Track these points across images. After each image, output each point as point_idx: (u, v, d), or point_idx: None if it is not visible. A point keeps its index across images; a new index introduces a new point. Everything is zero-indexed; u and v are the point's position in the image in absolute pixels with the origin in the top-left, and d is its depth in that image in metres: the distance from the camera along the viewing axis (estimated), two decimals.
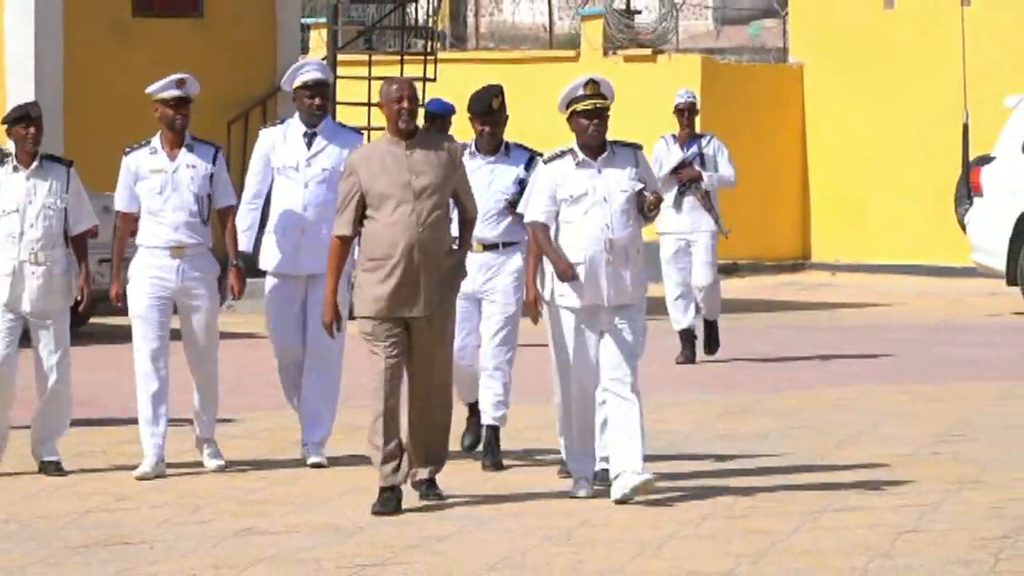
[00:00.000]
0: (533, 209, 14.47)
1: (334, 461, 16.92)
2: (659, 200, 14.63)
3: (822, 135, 43.61)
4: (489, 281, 16.21)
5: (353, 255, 15.59)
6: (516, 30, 61.31)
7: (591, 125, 14.22)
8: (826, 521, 14.79)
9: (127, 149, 17.40)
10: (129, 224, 16.90)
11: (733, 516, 14.52)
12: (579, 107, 14.24)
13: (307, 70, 17.58)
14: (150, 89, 17.09)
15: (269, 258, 17.12)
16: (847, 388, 23.41)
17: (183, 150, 16.86)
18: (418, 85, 19.59)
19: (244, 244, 17.31)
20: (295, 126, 17.19)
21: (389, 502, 14.00)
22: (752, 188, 37.66)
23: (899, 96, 41.19)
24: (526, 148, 16.09)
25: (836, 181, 42.74)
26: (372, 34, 36.43)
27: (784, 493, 15.90)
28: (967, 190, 33.03)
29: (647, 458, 14.69)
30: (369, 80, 32.81)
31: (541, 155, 15.51)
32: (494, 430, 16.33)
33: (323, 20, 38.88)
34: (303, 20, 38.47)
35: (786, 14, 48.14)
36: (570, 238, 14.21)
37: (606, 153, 14.31)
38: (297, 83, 17.21)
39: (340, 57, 34.48)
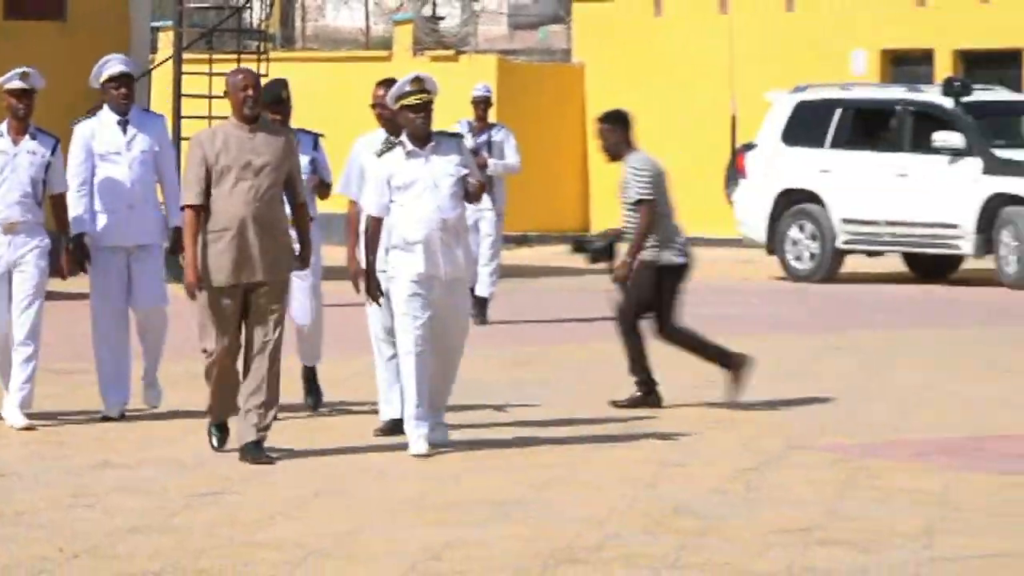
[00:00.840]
0: (368, 203, 14.47)
1: (176, 409, 16.72)
2: (483, 186, 14.81)
3: None
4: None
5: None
6: (337, 33, 62.59)
7: (418, 117, 14.20)
8: (602, 455, 15.34)
9: None
10: None
11: (523, 452, 14.94)
12: (406, 102, 14.24)
13: (112, 64, 17.10)
14: None
15: (100, 232, 16.81)
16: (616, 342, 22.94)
17: (26, 137, 16.66)
18: None
19: (77, 228, 16.99)
20: (107, 116, 16.92)
21: (223, 440, 14.14)
22: (540, 170, 38.48)
23: (671, 92, 41.68)
24: (309, 131, 16.00)
25: (613, 165, 42.58)
26: (212, 36, 36.20)
27: (566, 430, 16.25)
28: (734, 173, 33.79)
29: (448, 406, 15.12)
30: (210, 76, 32.22)
31: (323, 135, 16.06)
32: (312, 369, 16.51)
33: (169, 23, 38.43)
34: (152, 24, 38.12)
35: (570, 20, 49.00)
36: (407, 219, 14.19)
37: (433, 143, 14.30)
38: (104, 77, 16.89)
39: (184, 56, 34.25)
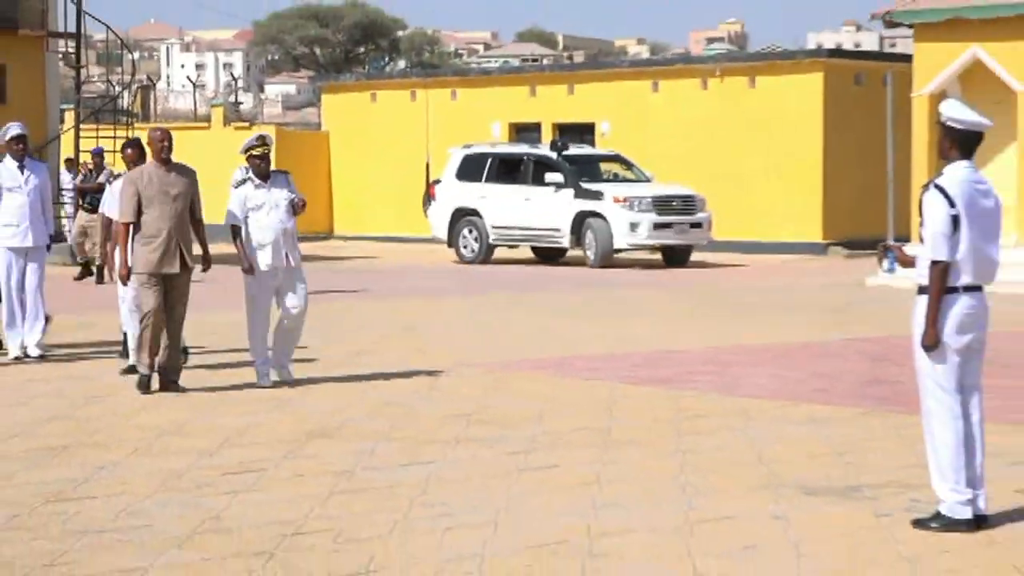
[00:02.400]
0: (232, 217, 13.95)
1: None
2: (304, 203, 14.03)
3: (341, 173, 43.62)
4: None
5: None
6: (176, 112, 61.27)
7: (261, 162, 13.77)
8: (349, 369, 15.46)
9: None
10: None
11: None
12: (254, 152, 13.75)
13: (12, 129, 16.44)
14: None
15: (5, 238, 16.17)
16: (355, 302, 23.01)
17: None
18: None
19: None
20: (9, 163, 16.32)
21: (145, 385, 13.50)
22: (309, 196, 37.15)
23: (387, 149, 41.42)
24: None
25: (350, 194, 42.79)
26: (98, 114, 35.45)
27: (322, 365, 15.98)
28: (428, 198, 34.03)
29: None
30: (97, 138, 31.32)
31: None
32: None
33: (71, 106, 37.22)
34: (61, 106, 36.99)
35: (320, 105, 48.89)
36: (260, 229, 13.79)
37: (271, 179, 13.90)
38: (8, 137, 16.24)
39: (81, 126, 33.30)
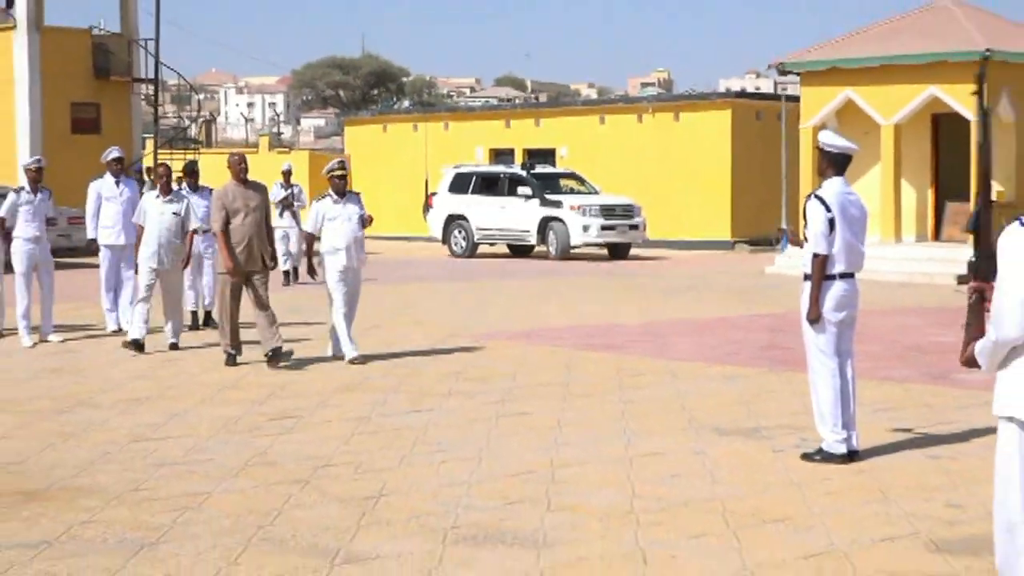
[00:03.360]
0: (310, 225, 13.24)
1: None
2: (371, 219, 13.15)
3: (358, 186, 41.35)
4: None
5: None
6: (232, 140, 60.65)
7: (340, 181, 12.96)
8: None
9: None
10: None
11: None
12: (335, 173, 12.94)
13: (112, 152, 15.86)
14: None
15: (104, 237, 15.37)
16: (369, 287, 21.43)
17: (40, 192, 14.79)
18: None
19: (91, 235, 15.99)
20: (108, 178, 15.51)
21: (233, 360, 12.79)
22: None
23: (397, 169, 40.30)
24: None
25: (366, 203, 42.00)
26: (172, 142, 34.99)
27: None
28: (427, 206, 33.49)
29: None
30: (171, 160, 30.96)
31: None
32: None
33: (151, 135, 36.30)
34: (143, 135, 36.72)
35: (344, 134, 46.55)
36: (336, 237, 12.87)
37: (346, 196, 13.02)
38: (109, 158, 15.65)
39: (159, 151, 32.36)
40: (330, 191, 13.08)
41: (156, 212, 13.68)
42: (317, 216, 13.11)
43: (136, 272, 14.12)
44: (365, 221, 13.03)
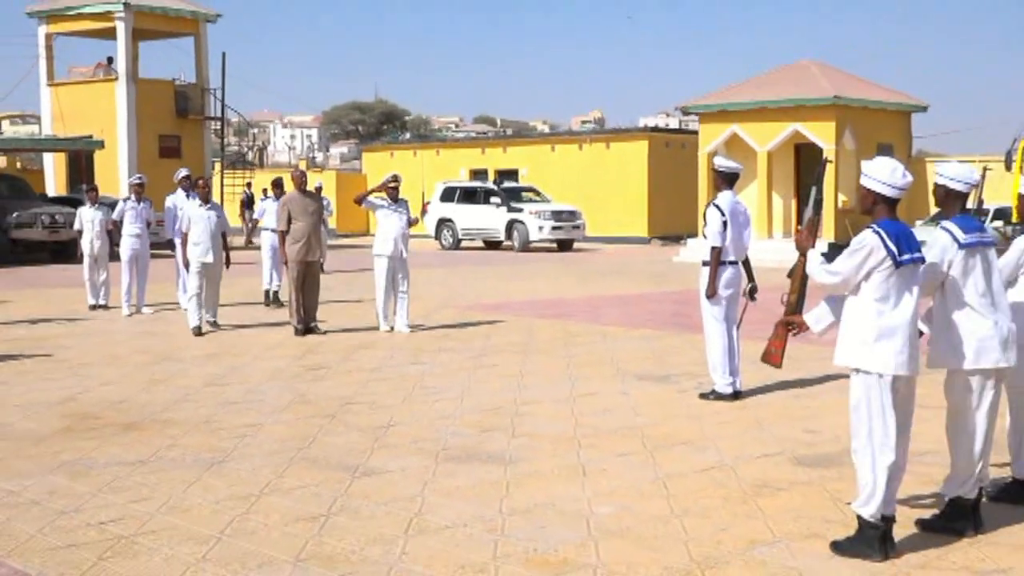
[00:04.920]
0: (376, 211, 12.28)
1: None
2: (416, 220, 12.41)
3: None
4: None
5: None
6: (279, 162, 59.64)
7: (395, 191, 12.05)
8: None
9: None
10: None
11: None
12: (390, 184, 12.10)
13: (181, 172, 14.42)
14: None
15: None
16: None
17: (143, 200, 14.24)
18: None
19: (168, 235, 14.59)
20: (180, 193, 13.91)
21: (299, 333, 12.01)
22: (353, 213, 36.23)
23: (408, 188, 39.98)
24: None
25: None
26: (234, 164, 34.85)
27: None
28: (423, 211, 32.24)
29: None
30: (233, 177, 31.48)
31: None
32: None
33: (218, 159, 35.58)
34: (212, 159, 35.45)
35: (362, 158, 45.38)
36: (388, 230, 12.07)
37: (398, 202, 12.05)
38: (180, 177, 14.20)
39: (225, 171, 32.66)
40: (386, 197, 12.22)
41: (201, 216, 12.43)
42: (379, 219, 12.26)
43: (187, 269, 12.60)
44: (411, 221, 12.29)
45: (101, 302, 14.76)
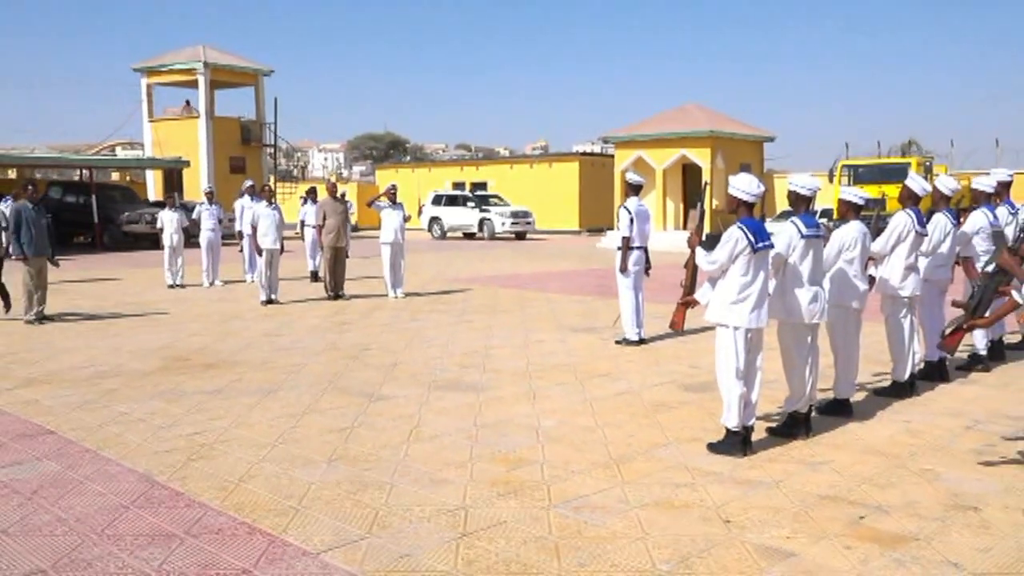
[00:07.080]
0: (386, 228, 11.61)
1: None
2: (410, 217, 11.86)
3: None
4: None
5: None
6: (315, 177, 57.12)
7: (393, 196, 11.50)
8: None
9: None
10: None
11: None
12: (391, 191, 11.54)
13: (246, 183, 14.19)
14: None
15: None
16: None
17: (174, 208, 13.57)
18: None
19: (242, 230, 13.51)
20: (246, 197, 13.46)
21: (330, 299, 11.55)
22: (367, 214, 35.55)
23: (402, 193, 37.05)
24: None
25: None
26: (284, 178, 33.96)
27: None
28: (419, 211, 32.13)
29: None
30: (282, 186, 30.37)
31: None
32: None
33: (271, 174, 33.49)
34: (268, 174, 34.41)
35: (375, 174, 44.25)
36: (390, 224, 11.56)
37: (397, 204, 11.53)
38: (245, 187, 14.16)
39: (278, 183, 31.30)
40: (386, 200, 11.69)
41: (267, 214, 11.67)
42: (383, 217, 11.70)
43: (259, 254, 11.67)
44: (406, 219, 11.78)
45: (178, 283, 13.98)
